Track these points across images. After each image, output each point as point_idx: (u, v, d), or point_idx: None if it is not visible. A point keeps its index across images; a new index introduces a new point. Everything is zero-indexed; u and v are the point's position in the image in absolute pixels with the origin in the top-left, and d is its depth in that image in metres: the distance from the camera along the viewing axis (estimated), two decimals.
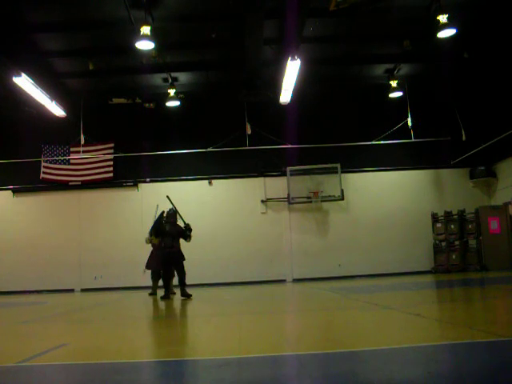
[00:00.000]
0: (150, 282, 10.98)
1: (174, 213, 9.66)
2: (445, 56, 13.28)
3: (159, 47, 11.60)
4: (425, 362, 2.91)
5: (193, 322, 6.18)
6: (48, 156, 15.67)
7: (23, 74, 11.44)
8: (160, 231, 9.53)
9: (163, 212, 9.70)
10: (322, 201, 15.48)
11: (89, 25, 11.17)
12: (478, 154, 14.88)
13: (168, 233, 9.48)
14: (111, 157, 15.73)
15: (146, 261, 11.02)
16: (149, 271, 11.00)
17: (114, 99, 15.59)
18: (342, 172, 15.39)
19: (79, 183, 15.77)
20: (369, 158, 15.77)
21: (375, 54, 13.65)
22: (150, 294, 10.58)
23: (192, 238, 9.75)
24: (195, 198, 15.55)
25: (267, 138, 15.13)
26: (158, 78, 14.41)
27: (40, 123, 14.83)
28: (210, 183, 15.83)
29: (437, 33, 10.54)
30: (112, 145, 15.77)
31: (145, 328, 5.75)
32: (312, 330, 4.60)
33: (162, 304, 9.16)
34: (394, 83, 14.51)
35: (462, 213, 15.05)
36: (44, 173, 15.67)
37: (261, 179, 15.84)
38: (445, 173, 16.02)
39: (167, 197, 9.79)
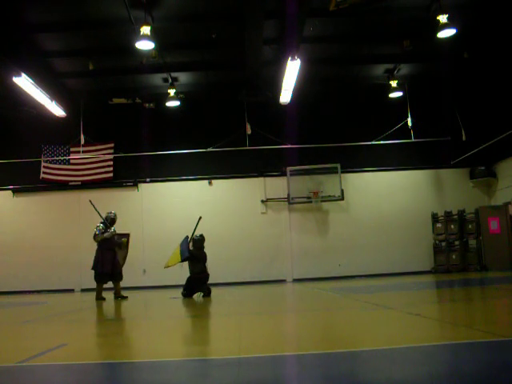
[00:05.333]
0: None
1: (203, 239, 9.69)
2: (445, 56, 13.29)
3: (159, 47, 11.61)
4: (425, 362, 2.91)
5: (194, 322, 6.18)
6: (48, 156, 15.67)
7: (23, 74, 11.44)
8: (192, 257, 9.48)
9: (187, 236, 9.63)
10: (322, 201, 15.47)
11: (89, 25, 11.18)
12: (477, 154, 14.87)
13: (199, 258, 9.51)
14: (111, 157, 15.74)
15: (94, 261, 10.12)
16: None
17: (114, 99, 15.59)
18: (342, 172, 15.39)
19: (79, 183, 15.77)
20: (369, 157, 15.78)
21: (375, 54, 13.64)
22: (99, 299, 10.00)
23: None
24: (195, 198, 15.56)
25: (267, 138, 15.14)
26: (158, 78, 14.41)
27: (40, 123, 14.84)
28: (210, 183, 15.83)
29: (437, 33, 10.55)
30: (112, 145, 15.77)
31: (144, 327, 5.74)
32: (312, 330, 4.60)
33: (160, 305, 9.17)
34: (394, 83, 14.51)
35: (461, 213, 15.04)
36: (44, 173, 15.67)
37: (261, 179, 15.84)
38: (445, 173, 16.02)
39: (200, 217, 9.71)
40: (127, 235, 10.41)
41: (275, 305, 8.18)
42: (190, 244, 9.57)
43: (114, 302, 9.50)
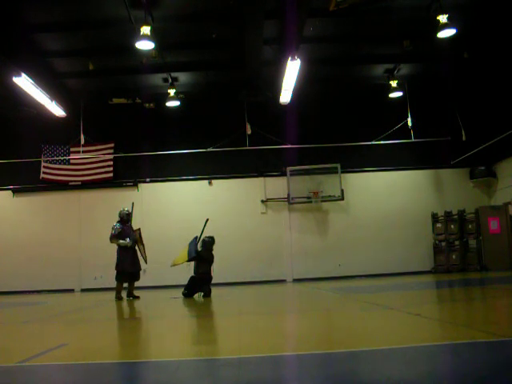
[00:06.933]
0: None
1: (213, 241, 9.71)
2: (445, 56, 13.28)
3: (159, 47, 11.61)
4: (425, 362, 2.91)
5: (194, 322, 6.18)
6: (48, 156, 15.67)
7: (23, 74, 11.43)
8: (199, 257, 9.49)
9: (197, 237, 9.63)
10: (322, 201, 15.47)
11: (89, 25, 11.17)
12: (478, 154, 14.87)
13: (206, 259, 9.53)
14: (111, 157, 15.73)
15: (119, 261, 10.07)
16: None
17: (114, 99, 15.58)
18: (342, 172, 15.38)
19: (79, 183, 15.77)
20: (369, 158, 15.77)
21: (375, 54, 13.64)
22: (119, 299, 9.95)
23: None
24: (195, 198, 15.56)
25: (267, 138, 15.14)
26: (158, 78, 14.40)
27: (40, 123, 14.83)
28: (210, 183, 15.83)
29: (437, 33, 10.54)
30: (112, 145, 15.77)
31: (145, 327, 5.75)
32: (312, 330, 4.60)
33: (160, 304, 9.16)
34: (394, 83, 14.51)
35: (461, 213, 15.04)
36: (44, 173, 15.67)
37: (261, 179, 15.84)
38: (445, 173, 16.02)
39: (207, 219, 9.67)
40: (137, 230, 10.47)
41: (275, 305, 8.17)
42: (199, 245, 9.59)
43: (114, 302, 9.50)
